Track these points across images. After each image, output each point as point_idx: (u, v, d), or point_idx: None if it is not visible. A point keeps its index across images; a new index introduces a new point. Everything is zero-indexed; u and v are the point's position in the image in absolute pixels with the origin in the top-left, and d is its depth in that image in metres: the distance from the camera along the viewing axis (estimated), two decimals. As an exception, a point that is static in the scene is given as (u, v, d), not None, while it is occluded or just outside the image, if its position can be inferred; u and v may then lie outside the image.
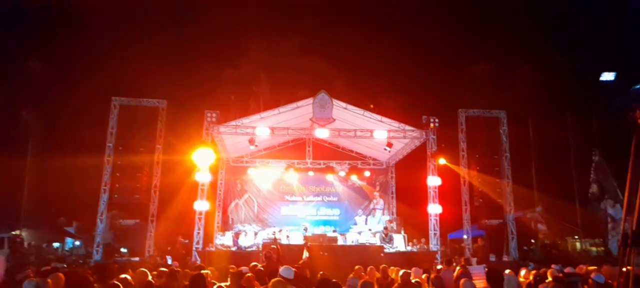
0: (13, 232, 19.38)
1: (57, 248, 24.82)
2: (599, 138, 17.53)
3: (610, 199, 12.87)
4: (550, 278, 6.87)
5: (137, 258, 14.80)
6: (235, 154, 19.24)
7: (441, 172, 16.28)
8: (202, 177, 15.45)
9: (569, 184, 17.40)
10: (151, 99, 16.76)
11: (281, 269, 5.60)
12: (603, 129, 18.24)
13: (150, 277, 6.17)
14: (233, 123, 15.77)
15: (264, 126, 15.51)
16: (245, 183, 19.65)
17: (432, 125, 15.99)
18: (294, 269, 5.83)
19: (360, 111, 15.66)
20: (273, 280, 4.29)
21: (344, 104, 15.50)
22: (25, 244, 18.52)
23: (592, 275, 6.45)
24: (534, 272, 8.36)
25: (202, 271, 6.76)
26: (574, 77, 24.23)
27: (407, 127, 16.10)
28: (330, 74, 23.69)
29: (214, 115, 15.58)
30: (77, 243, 25.90)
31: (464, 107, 17.35)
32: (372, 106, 15.74)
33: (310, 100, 15.33)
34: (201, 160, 14.93)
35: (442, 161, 16.18)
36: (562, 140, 18.49)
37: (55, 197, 24.27)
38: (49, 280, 4.78)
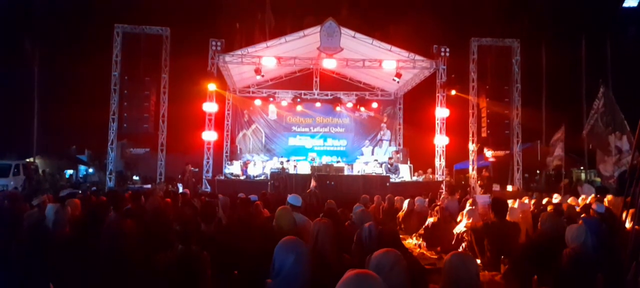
0: (27, 160, 19.89)
1: (71, 175, 25.60)
2: (612, 67, 17.11)
3: (617, 131, 12.73)
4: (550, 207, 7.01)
5: (148, 186, 15.24)
6: (242, 84, 19.11)
7: (449, 102, 16.14)
8: (209, 107, 15.50)
9: (579, 114, 17.22)
10: (154, 26, 16.42)
11: (289, 197, 5.66)
12: (616, 57, 17.74)
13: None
14: (239, 52, 15.50)
15: (270, 55, 15.24)
16: (252, 114, 19.70)
17: (442, 54, 15.62)
18: (298, 196, 5.92)
19: (368, 40, 15.23)
20: (280, 207, 4.40)
21: (352, 32, 15.05)
22: (40, 171, 19.05)
23: (594, 206, 6.55)
24: (535, 201, 8.56)
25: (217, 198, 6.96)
26: (591, 3, 23.16)
27: (417, 57, 15.73)
28: (338, 0, 22.77)
29: (218, 43, 15.29)
30: (91, 170, 26.66)
31: (476, 36, 16.83)
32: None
33: (317, 29, 14.86)
34: (211, 88, 15.05)
35: (452, 93, 15.97)
36: (574, 69, 18.09)
37: (66, 126, 24.64)
38: (68, 207, 4.93)
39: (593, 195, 9.77)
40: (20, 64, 20.09)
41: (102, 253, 3.68)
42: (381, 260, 2.37)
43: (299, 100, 18.94)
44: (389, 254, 2.41)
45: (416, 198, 8.98)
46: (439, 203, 8.28)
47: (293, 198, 5.54)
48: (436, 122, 16.12)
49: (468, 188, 16.07)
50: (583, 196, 9.20)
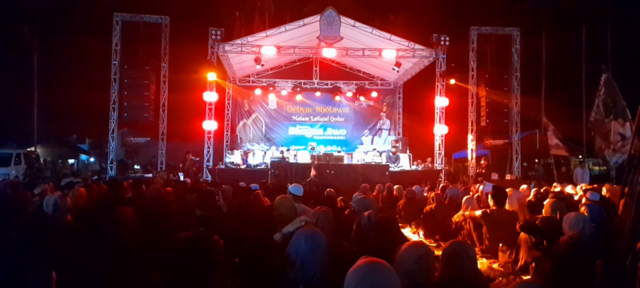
0: (28, 149, 19.93)
1: (72, 164, 25.66)
2: (612, 55, 17.06)
3: (620, 118, 12.76)
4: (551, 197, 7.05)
5: (149, 175, 15.29)
6: (242, 73, 19.07)
7: (449, 91, 16.14)
8: (210, 96, 15.50)
9: (578, 103, 17.22)
10: (153, 15, 16.34)
11: (291, 186, 5.62)
12: (617, 43, 17.66)
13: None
14: (238, 41, 15.46)
15: (269, 44, 15.19)
16: (252, 103, 19.69)
17: (442, 43, 15.58)
18: (300, 185, 5.93)
19: (368, 29, 15.17)
20: (279, 196, 4.42)
21: (352, 21, 14.99)
22: (41, 160, 19.10)
23: (587, 194, 6.59)
24: (535, 190, 8.59)
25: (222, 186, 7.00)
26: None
27: (417, 46, 15.69)
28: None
29: (218, 32, 15.25)
30: (92, 159, 26.72)
31: (476, 24, 16.75)
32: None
33: (317, 17, 14.80)
34: (212, 77, 15.04)
35: (451, 82, 15.96)
36: (574, 56, 18.02)
37: (67, 115, 24.65)
38: (69, 198, 4.93)
39: (586, 183, 9.82)
40: (20, 53, 20.03)
41: (102, 241, 3.71)
42: (409, 252, 2.40)
43: (298, 89, 18.92)
44: (417, 247, 2.45)
45: (414, 187, 9.05)
46: (437, 191, 8.34)
47: (294, 188, 5.43)
48: (435, 111, 16.13)
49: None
50: (580, 184, 9.25)
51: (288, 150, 16.45)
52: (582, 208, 4.70)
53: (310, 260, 2.45)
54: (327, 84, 19.52)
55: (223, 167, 15.61)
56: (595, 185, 8.80)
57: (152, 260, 3.52)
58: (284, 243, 2.69)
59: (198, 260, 3.24)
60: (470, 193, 7.64)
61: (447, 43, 15.63)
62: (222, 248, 3.46)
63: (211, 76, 15.20)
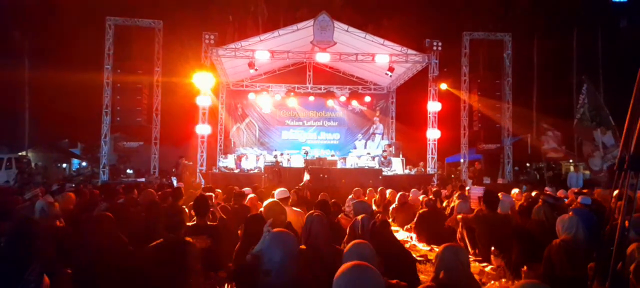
0: (19, 154, 19.73)
1: (64, 168, 25.41)
2: (602, 59, 17.25)
3: (602, 126, 12.91)
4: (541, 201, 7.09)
5: (142, 179, 15.19)
6: (235, 78, 19.04)
7: (441, 96, 16.24)
8: (203, 100, 15.45)
9: (570, 108, 17.38)
10: (146, 19, 16.29)
11: (275, 191, 5.88)
12: (607, 50, 17.86)
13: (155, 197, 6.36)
14: (232, 46, 15.44)
15: (263, 49, 15.19)
16: (246, 108, 19.64)
17: (435, 48, 15.69)
18: (286, 189, 6.08)
19: (361, 34, 15.24)
20: (269, 201, 4.44)
21: (345, 26, 15.05)
22: (33, 165, 18.90)
23: (579, 199, 6.64)
24: (526, 194, 8.65)
25: (209, 193, 6.99)
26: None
27: (410, 51, 15.78)
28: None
29: (212, 37, 15.23)
30: (84, 164, 26.49)
31: (468, 30, 16.90)
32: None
33: (310, 22, 14.86)
34: (201, 83, 14.90)
35: (443, 86, 16.06)
36: (566, 62, 18.20)
37: (58, 120, 24.41)
38: (57, 204, 4.89)
39: (580, 187, 9.89)
40: (11, 57, 19.85)
41: (88, 246, 3.69)
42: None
43: (292, 94, 18.91)
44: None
45: (412, 190, 9.10)
46: (430, 196, 8.37)
47: (278, 193, 5.77)
48: (428, 115, 16.21)
49: (458, 182, 16.11)
50: (571, 188, 9.33)
51: (281, 154, 16.42)
52: (570, 213, 4.74)
53: (285, 266, 2.46)
54: (320, 89, 19.54)
55: (217, 171, 15.54)
56: (585, 190, 8.88)
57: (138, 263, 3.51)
58: (256, 261, 2.67)
59: (169, 266, 3.23)
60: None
61: (440, 48, 15.74)
62: (196, 250, 3.47)
63: (204, 81, 15.14)
